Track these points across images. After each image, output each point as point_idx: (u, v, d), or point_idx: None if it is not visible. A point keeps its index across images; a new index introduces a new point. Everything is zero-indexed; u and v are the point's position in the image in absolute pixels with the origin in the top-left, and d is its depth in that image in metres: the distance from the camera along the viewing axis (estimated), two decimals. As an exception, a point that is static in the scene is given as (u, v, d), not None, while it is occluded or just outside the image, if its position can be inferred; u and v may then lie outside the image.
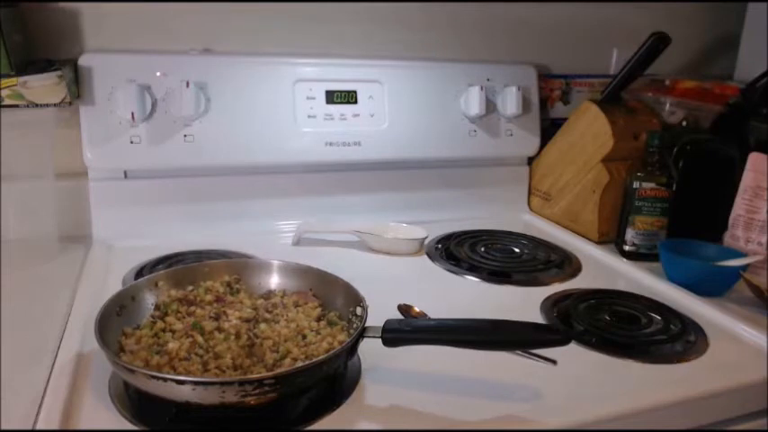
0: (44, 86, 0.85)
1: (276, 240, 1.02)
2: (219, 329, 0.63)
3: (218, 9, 1.03)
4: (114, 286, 0.78)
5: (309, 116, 1.04)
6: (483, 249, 1.00)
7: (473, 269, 0.93)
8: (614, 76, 1.12)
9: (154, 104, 0.95)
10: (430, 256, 0.98)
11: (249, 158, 1.02)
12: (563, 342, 0.58)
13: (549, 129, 1.22)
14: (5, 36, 0.82)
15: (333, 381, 0.62)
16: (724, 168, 1.03)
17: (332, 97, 1.06)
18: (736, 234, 0.96)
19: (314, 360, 0.56)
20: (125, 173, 0.99)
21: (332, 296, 0.71)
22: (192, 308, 0.67)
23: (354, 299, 0.67)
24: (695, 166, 1.03)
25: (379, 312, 0.64)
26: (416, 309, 0.77)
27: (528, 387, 0.63)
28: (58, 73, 0.86)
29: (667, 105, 1.14)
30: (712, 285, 0.88)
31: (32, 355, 0.65)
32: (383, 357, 0.63)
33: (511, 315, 0.60)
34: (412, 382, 0.63)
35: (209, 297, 0.70)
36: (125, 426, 0.55)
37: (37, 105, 0.85)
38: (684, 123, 1.12)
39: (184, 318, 0.66)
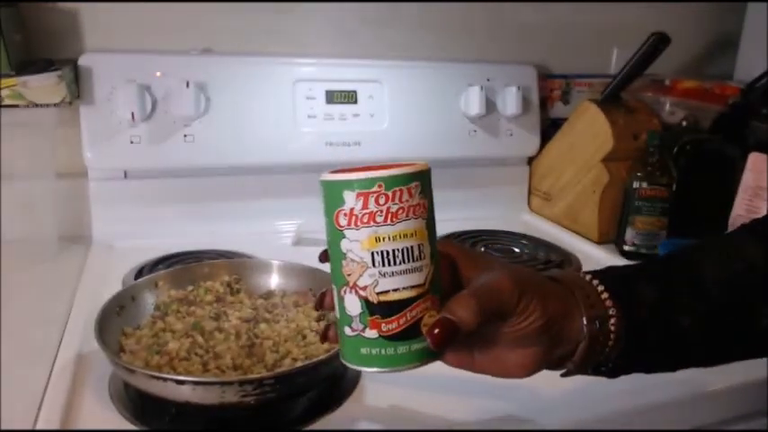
0: (44, 86, 0.85)
1: (276, 240, 1.02)
2: (219, 329, 0.63)
3: (218, 9, 1.03)
4: (114, 286, 0.78)
5: (309, 116, 1.04)
6: (483, 249, 1.00)
7: (473, 269, 0.93)
8: (614, 76, 1.11)
9: (154, 104, 0.95)
10: (430, 256, 0.98)
11: (249, 158, 1.02)
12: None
13: (549, 129, 1.22)
14: (5, 36, 0.82)
15: (333, 381, 0.62)
16: (724, 168, 1.03)
17: (332, 97, 1.05)
18: (736, 234, 0.95)
19: (314, 360, 0.56)
20: (125, 173, 0.99)
21: (332, 296, 0.71)
22: (192, 308, 0.67)
23: (354, 299, 0.67)
24: (695, 166, 1.03)
25: (379, 312, 0.63)
26: (416, 309, 0.77)
27: (528, 387, 0.63)
28: (58, 73, 0.86)
29: (667, 105, 1.14)
30: (712, 285, 0.87)
31: (32, 355, 0.65)
32: (383, 357, 0.63)
33: (511, 315, 0.60)
34: (412, 382, 0.63)
35: (209, 297, 0.70)
36: (125, 426, 0.55)
37: (37, 105, 0.85)
38: (684, 123, 1.12)
39: (184, 318, 0.66)
